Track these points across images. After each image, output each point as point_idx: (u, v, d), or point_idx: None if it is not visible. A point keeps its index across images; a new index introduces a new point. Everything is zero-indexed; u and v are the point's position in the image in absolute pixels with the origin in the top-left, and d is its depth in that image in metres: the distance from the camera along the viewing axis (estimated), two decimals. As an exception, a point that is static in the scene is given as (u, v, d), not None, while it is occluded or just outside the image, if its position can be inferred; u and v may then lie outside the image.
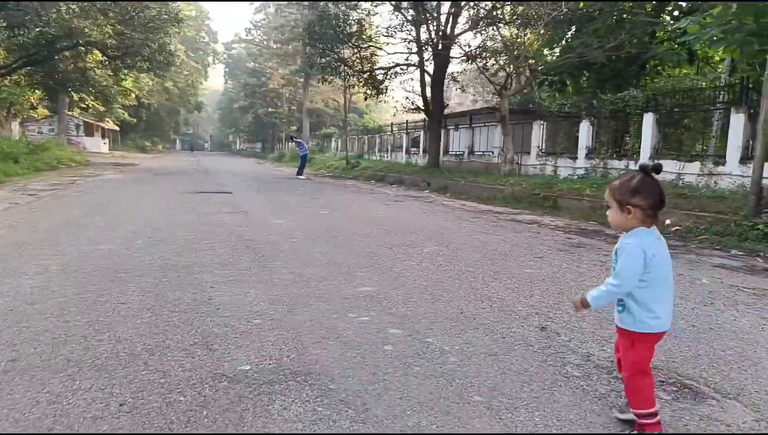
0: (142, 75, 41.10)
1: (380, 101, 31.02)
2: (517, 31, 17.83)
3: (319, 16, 20.82)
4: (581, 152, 15.79)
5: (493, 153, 19.95)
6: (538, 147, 17.75)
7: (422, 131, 27.43)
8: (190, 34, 62.90)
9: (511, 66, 17.84)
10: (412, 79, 22.75)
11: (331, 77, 21.95)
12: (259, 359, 2.87)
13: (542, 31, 17.16)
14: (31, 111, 36.31)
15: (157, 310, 3.68)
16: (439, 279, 4.83)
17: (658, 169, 2.05)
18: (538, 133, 17.84)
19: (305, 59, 22.72)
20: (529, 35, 17.42)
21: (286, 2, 46.06)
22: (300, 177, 21.87)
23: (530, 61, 18.15)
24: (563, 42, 20.12)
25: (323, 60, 20.84)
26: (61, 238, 6.22)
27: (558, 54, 20.20)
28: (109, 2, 22.64)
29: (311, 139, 48.31)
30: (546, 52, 21.00)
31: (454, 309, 3.91)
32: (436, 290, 4.42)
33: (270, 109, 62.04)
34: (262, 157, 59.18)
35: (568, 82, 20.19)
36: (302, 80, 48.24)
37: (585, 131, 15.74)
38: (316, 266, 5.18)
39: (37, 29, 19.66)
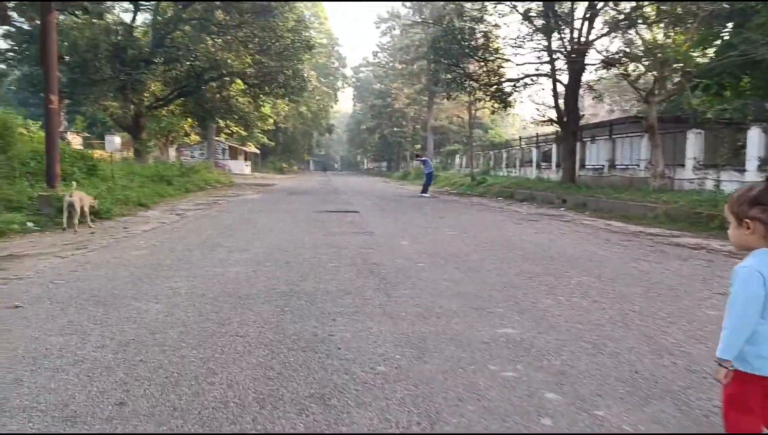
0: (278, 101, 44.19)
1: (508, 114, 29.89)
2: (662, 32, 15.91)
3: (444, 32, 20.49)
4: (750, 164, 13.50)
5: (638, 166, 17.95)
6: (695, 159, 15.55)
7: (554, 144, 25.76)
8: (321, 61, 66.62)
9: (657, 70, 15.92)
10: (542, 89, 21.84)
11: (456, 93, 21.43)
12: (383, 425, 2.34)
13: (693, 30, 15.10)
14: (185, 138, 40.50)
15: (275, 346, 3.34)
16: (597, 321, 3.98)
17: None
18: (694, 143, 15.66)
19: (430, 76, 22.52)
20: (677, 35, 15.43)
21: (410, 23, 46.75)
22: (425, 195, 21.55)
23: (679, 63, 16.08)
24: (719, 40, 17.60)
25: (448, 75, 20.44)
26: (194, 258, 6.34)
27: (713, 54, 17.70)
28: (249, 34, 24.45)
29: (435, 157, 48.20)
30: (695, 53, 18.55)
31: (624, 366, 3.08)
32: (595, 337, 3.59)
33: (395, 129, 63.28)
34: (387, 175, 60.39)
35: (726, 85, 17.57)
36: (426, 98, 48.54)
37: (755, 139, 13.45)
38: (445, 297, 4.60)
39: (188, 63, 21.73)
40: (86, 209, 9.38)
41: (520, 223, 11.22)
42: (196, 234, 8.61)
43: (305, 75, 28.98)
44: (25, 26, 21.71)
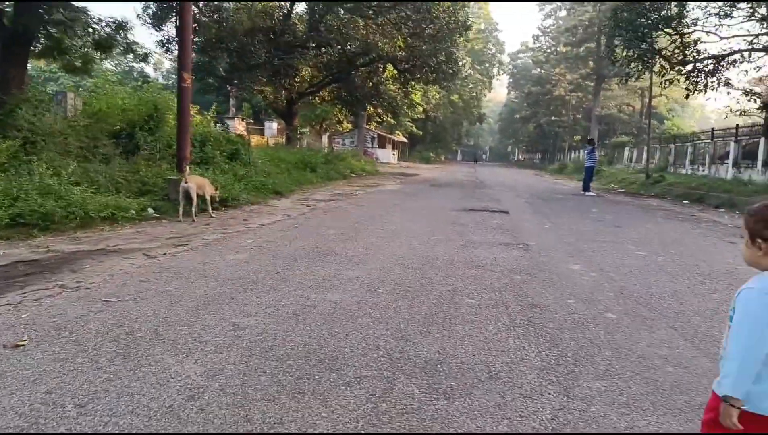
0: (429, 87, 42.84)
1: (706, 98, 24.85)
2: None
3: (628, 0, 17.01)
4: None
5: None
6: None
7: (762, 138, 20.58)
8: (477, 47, 63.89)
9: None
10: (758, 69, 16.93)
11: (640, 73, 17.79)
12: None
13: None
14: (338, 125, 41.10)
15: None
16: None
17: None
18: None
19: (606, 53, 18.99)
20: None
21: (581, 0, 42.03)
22: (588, 193, 18.42)
23: None
24: None
25: (630, 52, 16.94)
26: (294, 273, 4.89)
27: None
28: (401, 16, 23.16)
29: (599, 149, 43.10)
30: None
31: None
32: None
33: (553, 118, 58.41)
34: (540, 168, 55.96)
35: None
36: (593, 84, 43.50)
37: None
38: (683, 413, 2.45)
39: (339, 46, 21.06)
40: (207, 196, 8.61)
41: (734, 243, 8.16)
42: (313, 234, 7.27)
43: (458, 59, 26.94)
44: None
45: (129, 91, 15.38)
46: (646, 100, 57.32)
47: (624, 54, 17.35)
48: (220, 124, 27.44)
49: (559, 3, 61.67)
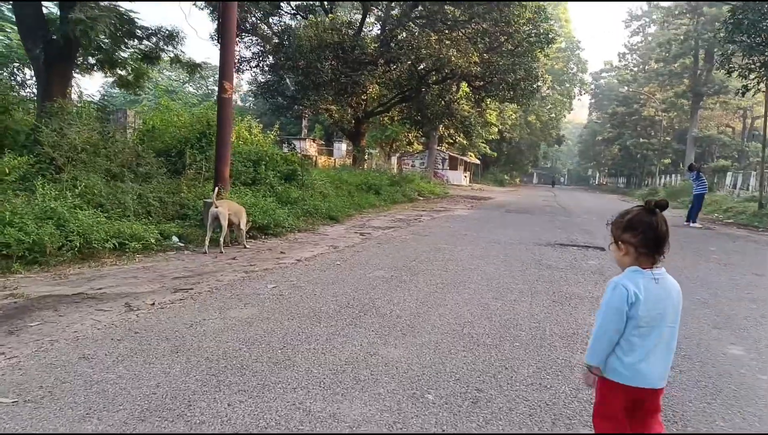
0: (505, 106, 40.69)
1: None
2: None
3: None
4: None
5: None
6: None
7: None
8: (558, 66, 60.93)
9: None
10: None
11: (759, 84, 15.01)
12: None
13: None
14: (407, 146, 39.84)
15: None
16: None
17: (661, 205, 1.92)
18: None
19: (720, 62, 16.24)
20: None
21: (677, 13, 38.48)
22: (693, 224, 15.70)
23: None
24: None
25: (751, 60, 14.29)
26: (308, 350, 3.34)
27: None
28: (478, 30, 21.57)
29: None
30: None
31: None
32: None
33: (641, 140, 54.06)
34: (626, 193, 51.69)
35: None
36: (689, 103, 39.48)
37: None
38: None
39: (409, 62, 19.75)
40: (243, 225, 7.34)
41: None
42: (356, 276, 5.72)
43: (539, 75, 24.85)
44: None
45: (183, 107, 14.84)
46: (748, 121, 51.92)
47: (743, 62, 14.68)
48: (286, 145, 27.01)
49: (647, 19, 57.75)
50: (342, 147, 37.19)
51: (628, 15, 61.50)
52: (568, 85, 66.82)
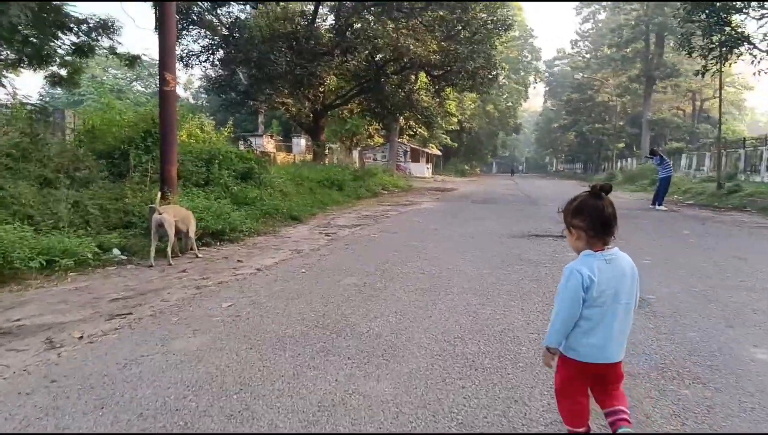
0: (464, 96, 40.50)
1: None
2: None
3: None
4: None
5: None
6: None
7: None
8: (512, 55, 61.29)
9: None
10: None
11: (721, 63, 15.01)
12: None
13: None
14: (369, 140, 39.14)
15: None
16: None
17: (606, 189, 1.98)
18: None
19: (680, 43, 16.19)
20: None
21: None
22: (660, 208, 15.71)
23: None
24: None
25: (711, 39, 14.26)
26: (268, 392, 2.70)
27: None
28: (435, 17, 21.07)
29: (645, 157, 39.77)
30: None
31: None
32: None
33: (596, 125, 55.03)
34: (584, 178, 52.57)
35: None
36: (642, 87, 40.24)
37: None
38: None
39: (367, 52, 19.08)
40: (191, 232, 6.58)
41: None
42: (324, 286, 5.08)
43: (497, 63, 24.58)
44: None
45: (128, 105, 13.77)
46: (698, 103, 53.60)
47: (702, 43, 14.67)
48: (242, 142, 25.90)
49: (597, 5, 58.73)
50: (301, 142, 36.16)
51: (579, 2, 62.41)
52: (523, 73, 67.48)
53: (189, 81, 63.33)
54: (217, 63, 22.87)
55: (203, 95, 54.64)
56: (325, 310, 4.19)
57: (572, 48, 64.67)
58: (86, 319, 3.96)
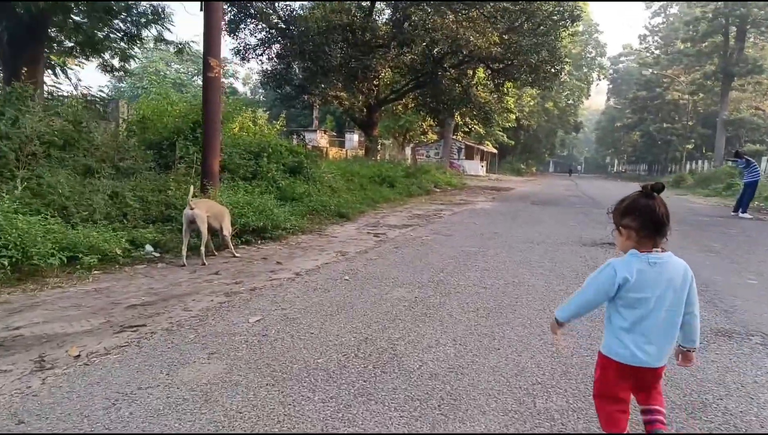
0: (523, 93, 38.90)
1: None
2: None
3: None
4: None
5: None
6: None
7: None
8: (575, 51, 58.68)
9: None
10: None
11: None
12: None
13: None
14: (422, 136, 38.29)
15: None
16: None
17: (658, 188, 1.95)
18: None
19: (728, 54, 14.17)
20: None
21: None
22: (744, 215, 14.13)
23: None
24: None
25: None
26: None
27: None
28: (498, 8, 19.94)
29: (726, 159, 36.84)
30: None
31: None
32: None
33: (665, 125, 51.84)
34: (648, 180, 49.42)
35: None
36: (718, 84, 37.30)
37: None
38: None
39: (423, 44, 18.24)
40: (226, 228, 6.04)
41: None
42: (369, 298, 4.38)
43: (562, 56, 23.12)
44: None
45: (185, 96, 13.56)
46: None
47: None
48: (295, 136, 25.67)
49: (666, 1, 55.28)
50: (354, 138, 35.77)
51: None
52: (586, 69, 64.50)
53: (248, 76, 64.40)
54: (273, 56, 22.68)
55: (260, 90, 55.32)
56: (369, 332, 3.48)
57: (640, 43, 61.24)
58: (93, 330, 3.42)
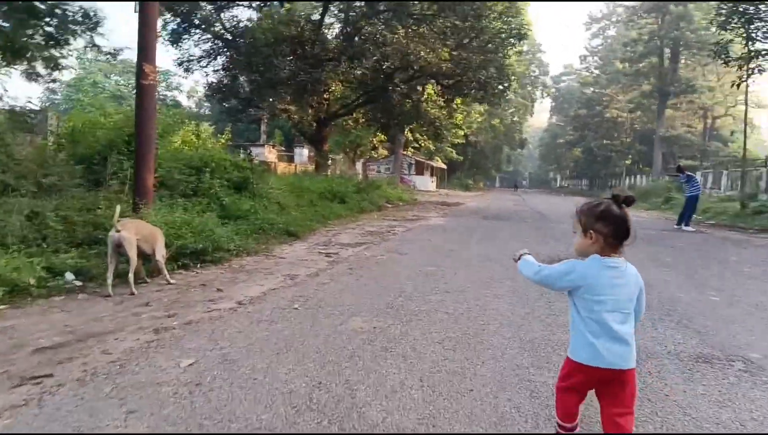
0: (472, 110, 39.48)
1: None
2: None
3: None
4: None
5: None
6: None
7: None
8: (520, 70, 60.50)
9: None
10: None
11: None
12: None
13: None
14: (372, 151, 38.11)
15: None
16: None
17: (629, 201, 2.03)
18: None
19: (717, 51, 15.03)
20: None
21: (644, 13, 38.10)
22: (686, 228, 14.55)
23: None
24: None
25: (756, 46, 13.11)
26: None
27: None
28: (448, 24, 20.04)
29: (664, 174, 38.60)
30: None
31: None
32: None
33: (605, 141, 54.01)
34: (591, 194, 51.36)
35: None
36: (655, 102, 39.18)
37: None
38: None
39: (374, 58, 18.03)
40: (158, 252, 5.41)
41: None
42: (319, 335, 3.91)
43: (510, 74, 23.53)
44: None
45: (116, 108, 12.69)
46: (709, 121, 52.58)
47: (743, 51, 13.56)
48: (242, 151, 24.83)
49: (607, 22, 58.07)
50: (303, 152, 35.13)
51: (589, 18, 61.79)
52: (530, 88, 66.61)
53: (192, 89, 62.54)
54: (219, 68, 21.92)
55: (206, 104, 53.72)
56: (323, 374, 3.01)
57: (581, 63, 63.98)
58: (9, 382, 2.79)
